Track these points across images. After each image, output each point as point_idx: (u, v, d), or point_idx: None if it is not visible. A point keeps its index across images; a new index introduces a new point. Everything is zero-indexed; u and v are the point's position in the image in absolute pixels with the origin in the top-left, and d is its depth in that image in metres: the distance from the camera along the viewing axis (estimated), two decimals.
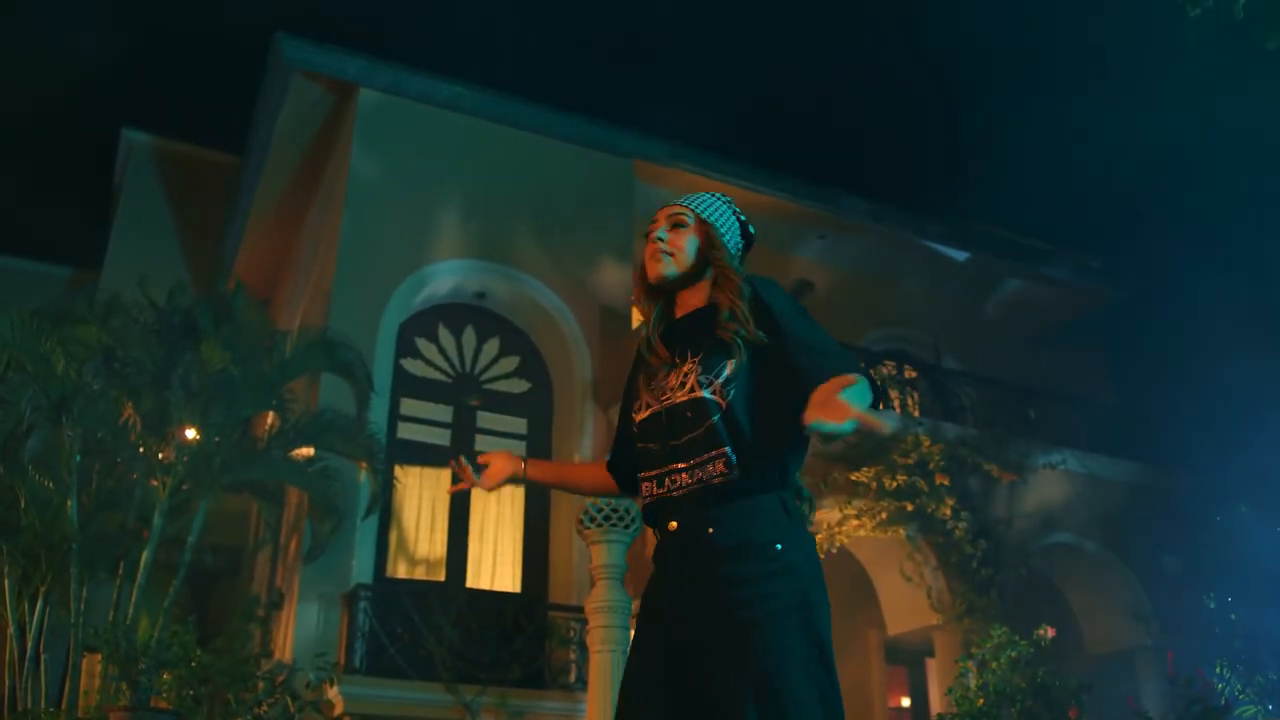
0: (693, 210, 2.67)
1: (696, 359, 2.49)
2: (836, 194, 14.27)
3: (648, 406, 2.54)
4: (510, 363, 12.02)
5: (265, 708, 7.82)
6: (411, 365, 11.53)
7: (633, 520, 5.53)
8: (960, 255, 15.18)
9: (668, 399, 2.49)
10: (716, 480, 2.36)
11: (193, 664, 8.08)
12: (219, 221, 15.56)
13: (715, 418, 2.40)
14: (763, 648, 2.18)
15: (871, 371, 2.35)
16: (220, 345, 8.90)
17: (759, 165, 13.85)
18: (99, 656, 8.31)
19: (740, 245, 2.71)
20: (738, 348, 2.45)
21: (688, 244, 2.62)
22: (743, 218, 2.74)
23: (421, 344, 11.68)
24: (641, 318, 2.75)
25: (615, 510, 5.48)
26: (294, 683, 8.29)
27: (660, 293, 2.68)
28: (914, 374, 12.75)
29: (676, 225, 2.64)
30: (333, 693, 9.08)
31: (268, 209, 13.84)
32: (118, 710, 6.91)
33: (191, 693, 8.15)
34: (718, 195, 2.76)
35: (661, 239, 2.63)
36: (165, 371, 9.04)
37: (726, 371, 2.44)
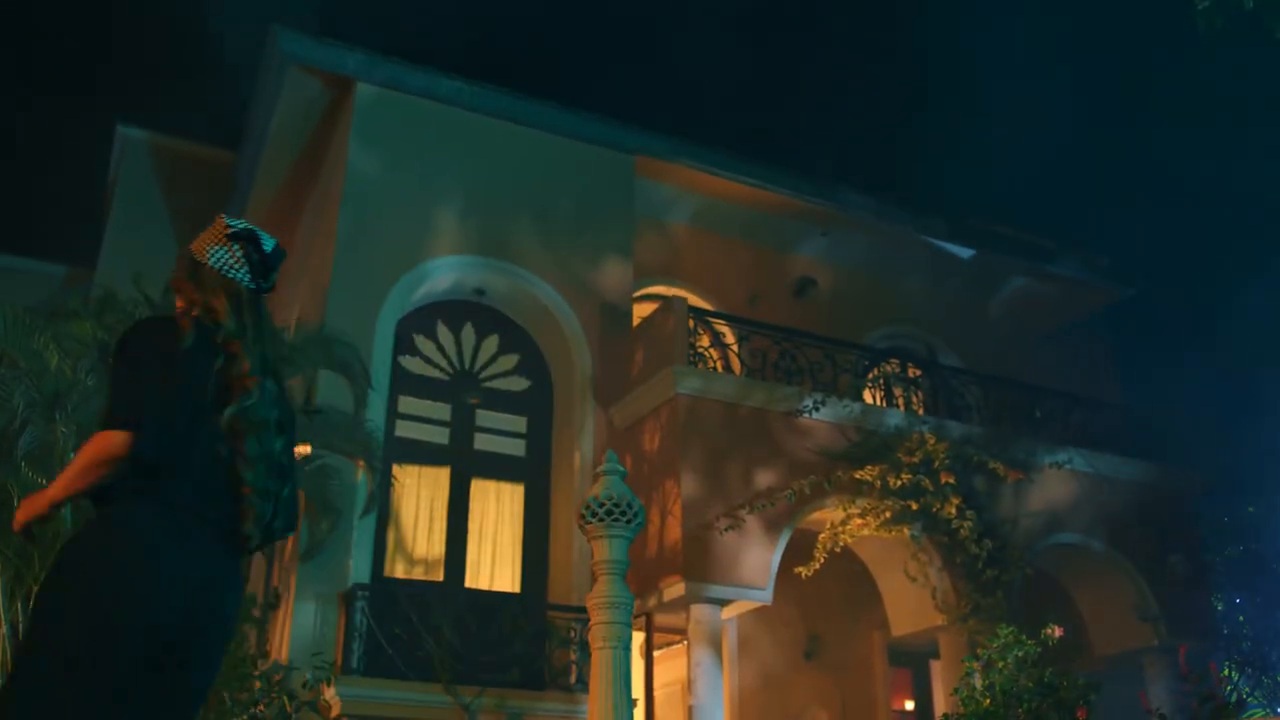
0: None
1: None
2: (839, 190, 14.25)
3: None
4: (509, 360, 11.99)
5: (262, 708, 7.78)
6: (410, 363, 11.50)
7: (635, 515, 5.50)
8: (964, 252, 15.15)
9: None
10: None
11: None
12: (215, 216, 15.50)
13: None
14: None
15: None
16: None
17: (761, 161, 13.83)
18: None
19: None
20: None
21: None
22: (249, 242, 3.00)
23: (420, 341, 11.65)
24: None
25: (618, 505, 5.45)
26: (291, 683, 8.25)
27: None
28: (918, 372, 12.72)
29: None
30: (330, 693, 9.05)
31: (264, 205, 13.82)
32: None
33: None
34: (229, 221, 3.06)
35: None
36: None
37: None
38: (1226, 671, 12.69)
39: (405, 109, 11.95)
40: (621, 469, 5.67)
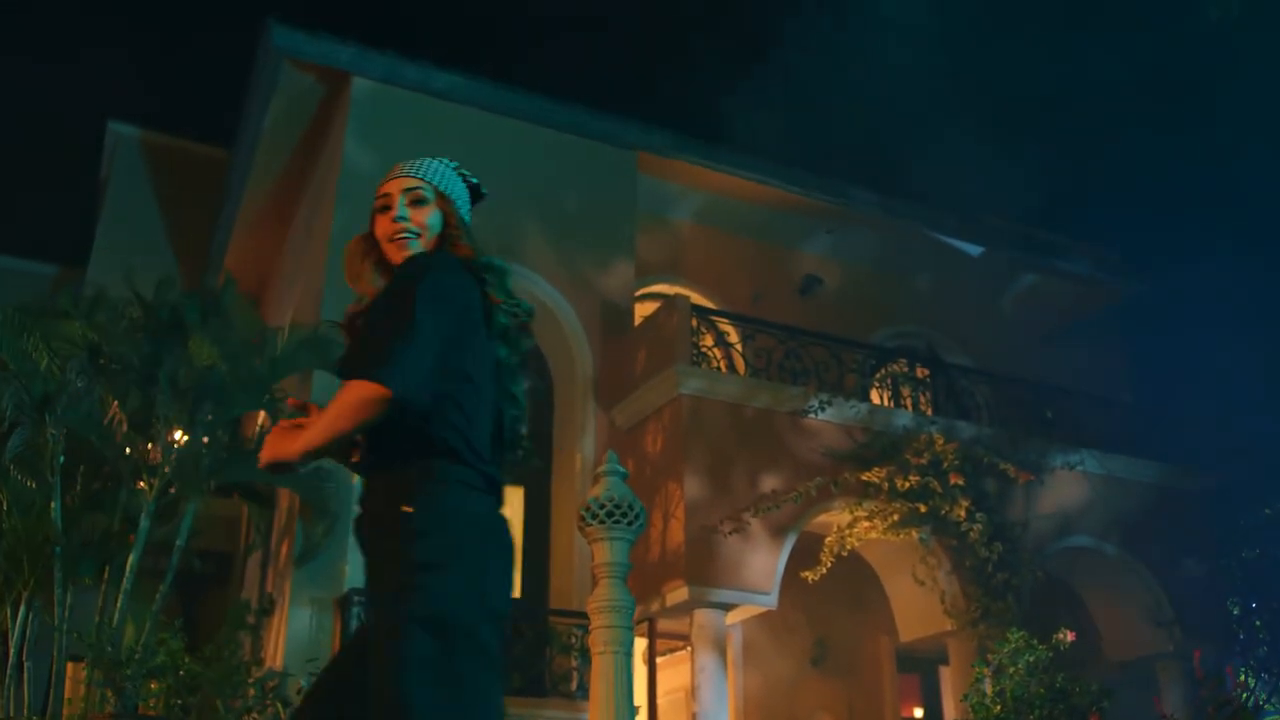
0: (431, 184, 2.61)
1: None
2: (846, 186, 14.23)
3: None
4: None
5: (255, 716, 7.78)
6: None
7: (636, 517, 5.49)
8: (974, 249, 15.12)
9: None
10: (357, 460, 2.46)
11: (181, 672, 8.04)
12: (208, 217, 15.53)
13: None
14: (378, 655, 2.14)
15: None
16: (208, 341, 8.88)
17: (766, 157, 13.81)
18: (84, 664, 8.29)
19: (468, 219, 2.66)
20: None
21: (430, 222, 2.58)
22: (473, 180, 2.72)
23: None
24: (361, 296, 2.63)
25: (619, 507, 5.44)
26: (285, 690, 8.25)
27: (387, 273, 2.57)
28: (926, 372, 12.69)
29: (417, 202, 2.58)
30: None
31: (258, 203, 13.81)
32: (102, 718, 6.87)
33: (180, 702, 8.12)
34: (445, 161, 2.69)
35: (404, 218, 2.55)
36: (152, 369, 9.01)
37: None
38: (1243, 677, 12.67)
39: (401, 104, 11.94)
40: (622, 470, 5.65)
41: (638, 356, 11.40)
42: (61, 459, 8.74)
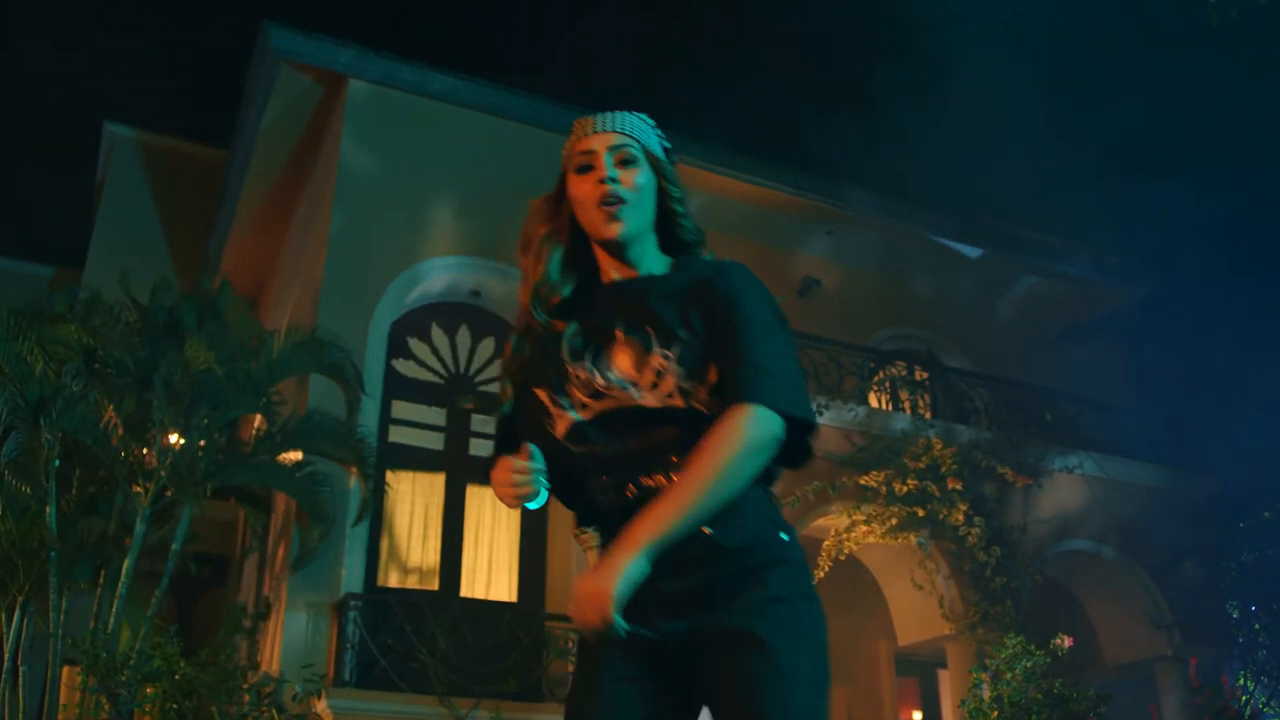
0: (638, 140, 2.14)
1: (667, 350, 1.98)
2: (844, 188, 14.22)
3: (581, 407, 2.04)
4: None
5: None
6: (403, 366, 11.49)
7: None
8: (973, 252, 15.11)
9: (623, 398, 2.00)
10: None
11: (176, 677, 8.05)
12: (205, 218, 15.54)
13: (699, 430, 1.93)
14: (774, 668, 1.86)
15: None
16: (205, 345, 8.88)
17: (763, 158, 13.81)
18: (79, 669, 8.28)
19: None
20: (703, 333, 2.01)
21: (644, 185, 2.12)
22: (667, 144, 2.25)
23: (414, 344, 11.64)
24: (535, 284, 2.16)
25: None
26: (281, 695, 8.25)
27: (604, 255, 2.15)
28: (924, 375, 12.69)
29: (626, 162, 2.12)
30: (321, 706, 9.04)
31: (255, 205, 13.80)
32: None
33: (175, 706, 8.12)
34: (643, 117, 2.23)
35: (615, 180, 2.08)
36: (148, 372, 9.01)
37: (709, 373, 1.97)
38: (1242, 680, 12.67)
39: (398, 105, 11.94)
40: None
41: None
42: (57, 463, 8.74)
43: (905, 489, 10.60)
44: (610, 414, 2.01)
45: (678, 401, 1.96)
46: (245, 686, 8.10)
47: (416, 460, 11.21)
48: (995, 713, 8.17)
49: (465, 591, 10.93)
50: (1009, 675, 8.34)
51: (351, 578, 9.98)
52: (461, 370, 11.78)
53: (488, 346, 11.96)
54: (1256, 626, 13.34)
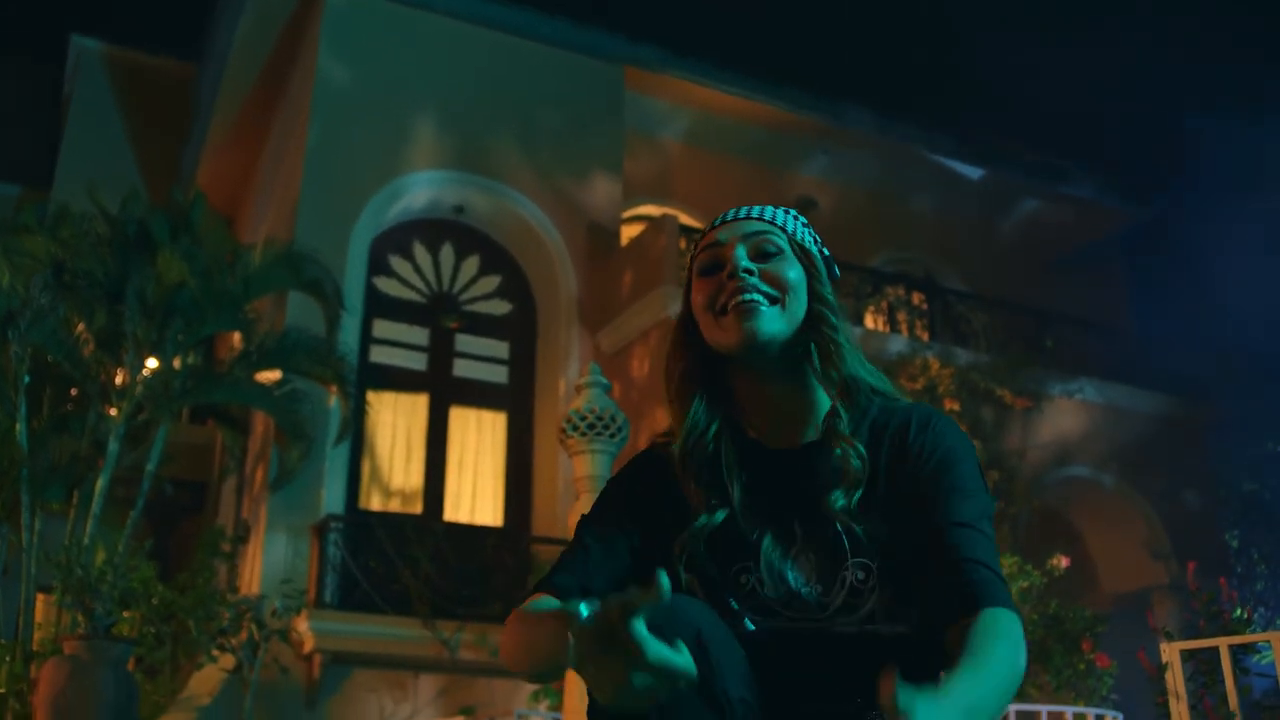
0: (782, 230, 1.66)
1: (865, 559, 1.52)
2: (841, 105, 14.12)
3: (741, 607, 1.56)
4: (491, 282, 11.94)
5: (230, 638, 7.84)
6: (385, 284, 11.45)
7: (619, 429, 5.49)
8: (974, 172, 15.06)
9: (802, 612, 1.54)
10: None
11: (154, 600, 8.09)
12: (178, 135, 15.37)
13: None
14: None
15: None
16: (178, 257, 8.81)
17: (758, 73, 13.68)
18: (54, 594, 8.31)
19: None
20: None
21: (794, 282, 1.62)
22: (826, 252, 1.73)
23: (395, 262, 11.59)
24: (675, 425, 1.69)
25: (600, 418, 5.43)
26: (262, 613, 8.32)
27: (745, 396, 1.67)
28: (922, 297, 12.69)
29: (766, 253, 1.63)
30: (303, 627, 9.12)
31: (229, 120, 13.65)
32: (73, 639, 6.91)
33: (153, 630, 8.18)
34: (794, 212, 1.73)
35: (750, 271, 1.60)
36: (119, 286, 8.94)
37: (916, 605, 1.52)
38: (1239, 613, 12.82)
39: (377, 14, 11.77)
40: (605, 382, 5.63)
41: (624, 279, 11.38)
42: (27, 379, 8.70)
43: None
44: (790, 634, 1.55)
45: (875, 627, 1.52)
46: (224, 604, 8.16)
47: (399, 381, 11.21)
48: None
49: (449, 515, 11.00)
50: None
51: (332, 499, 10.02)
52: (445, 289, 11.74)
53: (472, 265, 11.91)
54: (1255, 555, 13.47)
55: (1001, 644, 1.35)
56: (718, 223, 1.67)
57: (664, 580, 1.14)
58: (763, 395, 1.64)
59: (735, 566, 1.57)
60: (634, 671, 1.16)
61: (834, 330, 1.61)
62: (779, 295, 1.59)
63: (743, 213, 1.67)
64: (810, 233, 1.70)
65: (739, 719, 1.34)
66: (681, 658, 1.18)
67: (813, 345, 1.61)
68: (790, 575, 1.55)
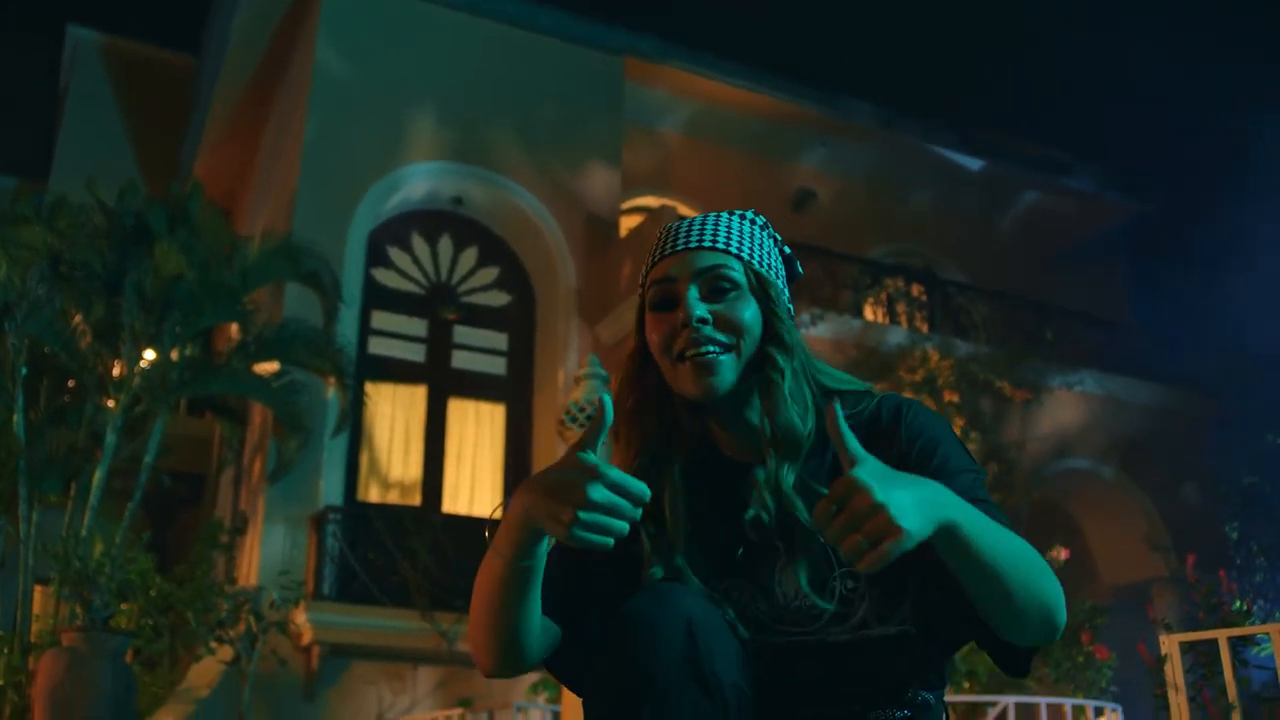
0: (738, 256, 1.57)
1: (853, 566, 1.26)
2: (841, 97, 14.11)
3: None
4: (489, 273, 11.94)
5: (228, 630, 7.85)
6: (383, 275, 11.45)
7: None
8: (974, 165, 15.05)
9: (794, 626, 1.53)
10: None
11: (152, 592, 8.10)
12: (175, 127, 15.35)
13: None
14: None
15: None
16: (176, 249, 8.81)
17: (757, 65, 13.67)
18: (52, 586, 8.32)
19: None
20: None
21: (749, 325, 1.55)
22: (787, 249, 1.69)
23: (394, 253, 11.58)
24: (622, 460, 1.61)
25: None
26: (260, 604, 8.33)
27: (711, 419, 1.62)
28: (921, 288, 12.69)
29: (721, 289, 1.55)
30: (301, 619, 9.13)
31: (227, 112, 13.63)
32: (71, 631, 6.92)
33: (151, 622, 8.19)
34: (750, 216, 1.65)
35: (704, 320, 1.52)
36: (117, 278, 8.95)
37: (905, 601, 1.52)
38: (1239, 604, 12.84)
39: (375, 6, 11.78)
40: (604, 373, 5.63)
41: (623, 270, 11.37)
42: (24, 371, 8.71)
43: None
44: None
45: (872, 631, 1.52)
46: (222, 595, 8.17)
47: (397, 372, 11.22)
48: None
49: (448, 507, 11.00)
50: None
51: (330, 490, 10.03)
52: (443, 280, 11.74)
53: (470, 256, 11.91)
54: (1254, 548, 13.49)
55: (1027, 545, 1.37)
56: (669, 249, 1.57)
57: (607, 403, 1.26)
58: (727, 420, 1.59)
59: (724, 583, 1.55)
60: (591, 484, 1.24)
61: (779, 374, 1.54)
62: (734, 342, 1.52)
63: (694, 238, 1.57)
64: (768, 234, 1.64)
65: (731, 703, 1.34)
66: (635, 481, 1.27)
67: (757, 386, 1.55)
68: (778, 590, 1.53)
